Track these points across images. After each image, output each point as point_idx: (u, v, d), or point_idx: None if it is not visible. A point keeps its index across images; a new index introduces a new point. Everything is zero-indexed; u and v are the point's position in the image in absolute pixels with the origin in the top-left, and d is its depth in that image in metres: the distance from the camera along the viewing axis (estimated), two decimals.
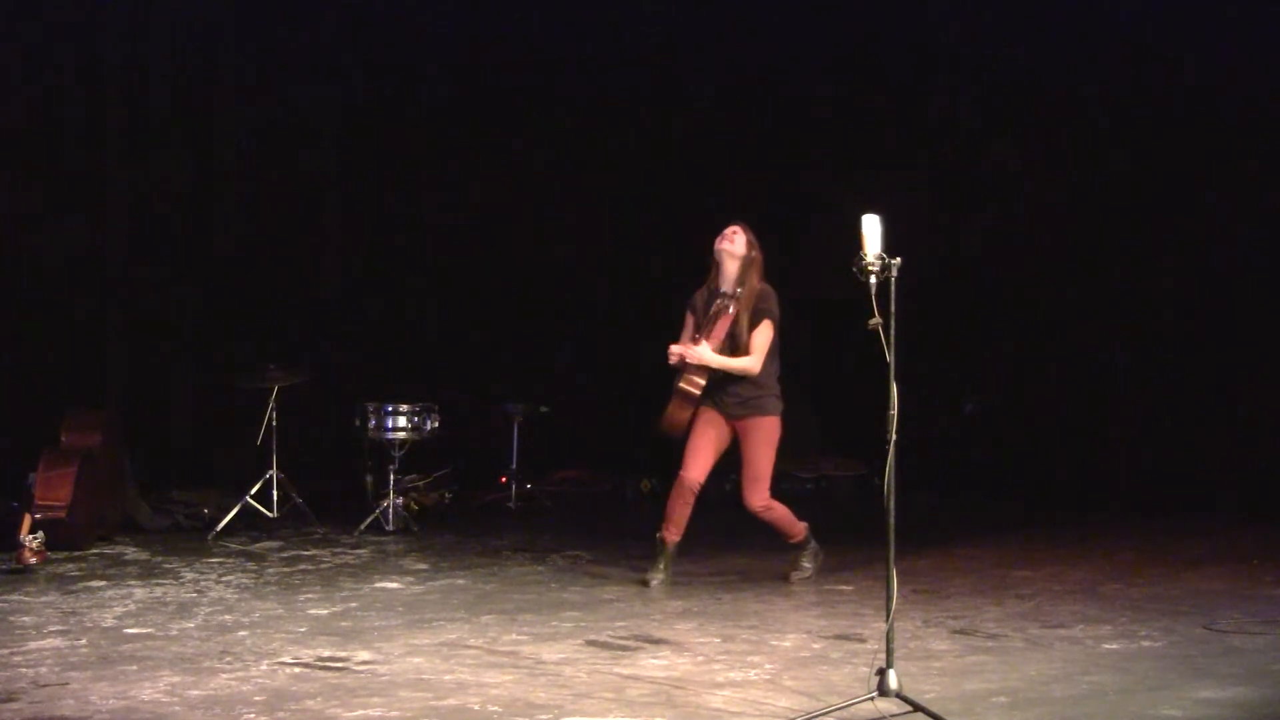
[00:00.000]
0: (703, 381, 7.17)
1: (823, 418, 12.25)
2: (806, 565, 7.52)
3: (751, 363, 7.16)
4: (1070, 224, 11.05)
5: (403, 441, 9.35)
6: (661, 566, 7.38)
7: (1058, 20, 10.92)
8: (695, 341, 7.20)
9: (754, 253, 7.27)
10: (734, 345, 7.19)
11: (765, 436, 7.26)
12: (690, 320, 7.39)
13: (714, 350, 7.15)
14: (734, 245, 7.25)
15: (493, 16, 11.43)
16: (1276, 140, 10.15)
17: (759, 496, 7.28)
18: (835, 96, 11.71)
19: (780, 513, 7.42)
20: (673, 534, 7.36)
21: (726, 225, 7.33)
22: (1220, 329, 10.40)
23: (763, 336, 7.18)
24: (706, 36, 11.78)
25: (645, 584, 7.33)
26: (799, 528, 7.50)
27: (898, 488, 4.89)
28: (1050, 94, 11.09)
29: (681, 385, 7.20)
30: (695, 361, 7.14)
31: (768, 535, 9.24)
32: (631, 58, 11.87)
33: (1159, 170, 10.69)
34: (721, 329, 7.20)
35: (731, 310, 7.19)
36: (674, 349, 7.22)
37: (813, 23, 11.54)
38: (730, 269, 7.26)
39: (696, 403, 7.24)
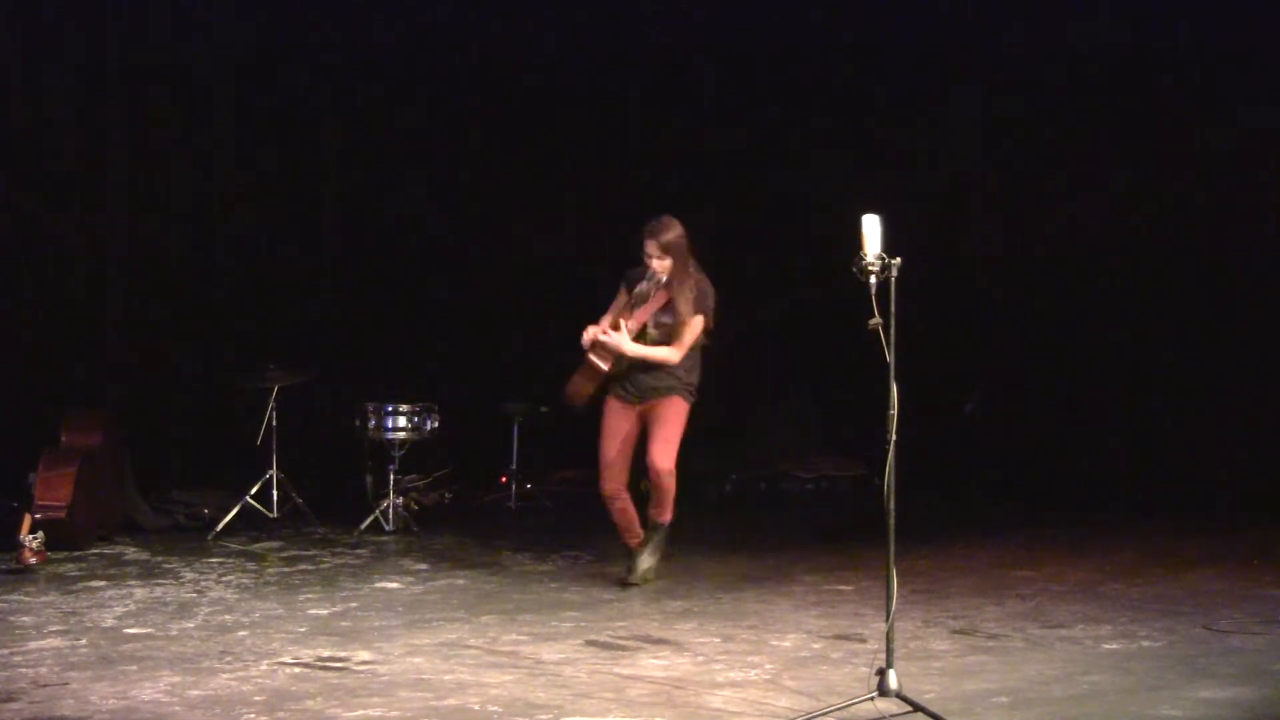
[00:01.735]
0: (608, 363, 7.06)
1: (823, 418, 12.25)
2: (649, 560, 7.30)
3: (671, 354, 7.06)
4: (1070, 223, 11.03)
5: (403, 441, 9.34)
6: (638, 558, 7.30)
7: (1060, 21, 10.91)
8: (624, 316, 7.11)
9: (684, 241, 7.06)
10: (664, 332, 7.11)
11: (676, 410, 7.11)
12: (623, 296, 7.27)
13: (635, 330, 7.05)
14: (668, 238, 7.02)
15: (494, 16, 11.42)
16: (1278, 140, 10.15)
17: (668, 458, 7.06)
18: (837, 96, 11.69)
19: (673, 486, 7.12)
20: (634, 539, 7.32)
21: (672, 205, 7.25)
22: (1220, 328, 10.39)
23: (691, 333, 7.07)
24: (707, 36, 11.77)
25: (624, 584, 7.25)
26: (670, 514, 7.23)
27: (898, 488, 4.90)
28: (1051, 94, 11.07)
29: (591, 358, 7.10)
30: (613, 347, 7.02)
31: (767, 535, 9.27)
32: (631, 56, 11.85)
33: (1159, 170, 10.68)
34: (644, 313, 7.10)
35: (662, 296, 7.07)
36: (589, 332, 7.07)
37: (814, 22, 11.53)
38: (662, 265, 7.09)
39: (603, 382, 7.14)
